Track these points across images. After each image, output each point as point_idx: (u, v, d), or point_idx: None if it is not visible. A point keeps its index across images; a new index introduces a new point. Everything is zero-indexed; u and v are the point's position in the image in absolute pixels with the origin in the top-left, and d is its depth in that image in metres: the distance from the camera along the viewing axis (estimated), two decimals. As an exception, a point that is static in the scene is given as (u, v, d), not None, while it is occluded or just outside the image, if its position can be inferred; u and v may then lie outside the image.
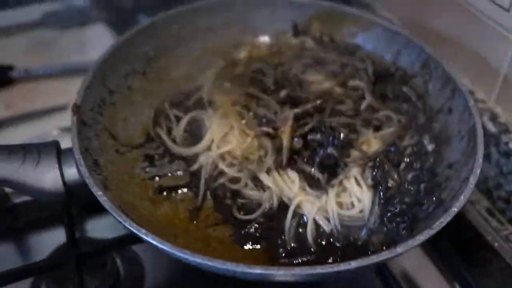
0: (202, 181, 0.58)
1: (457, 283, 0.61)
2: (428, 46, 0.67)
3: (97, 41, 1.00)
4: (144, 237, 0.44)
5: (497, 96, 0.70)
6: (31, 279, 0.61)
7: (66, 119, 0.80)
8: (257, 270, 0.42)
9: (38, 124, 0.82)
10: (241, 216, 0.56)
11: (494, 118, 0.69)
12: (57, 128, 0.80)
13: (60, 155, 0.51)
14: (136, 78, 0.66)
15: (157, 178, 0.60)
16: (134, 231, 0.45)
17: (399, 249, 0.44)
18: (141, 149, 0.62)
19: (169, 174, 0.60)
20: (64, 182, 0.50)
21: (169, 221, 0.56)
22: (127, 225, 0.45)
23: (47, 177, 0.50)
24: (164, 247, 0.44)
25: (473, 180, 0.50)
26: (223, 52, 0.71)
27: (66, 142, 0.76)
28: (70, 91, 0.88)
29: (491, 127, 0.69)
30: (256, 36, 0.74)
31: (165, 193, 0.58)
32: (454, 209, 0.47)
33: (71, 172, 0.51)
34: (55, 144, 0.52)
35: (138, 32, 0.66)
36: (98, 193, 0.47)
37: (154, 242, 0.44)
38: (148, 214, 0.55)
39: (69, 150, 0.52)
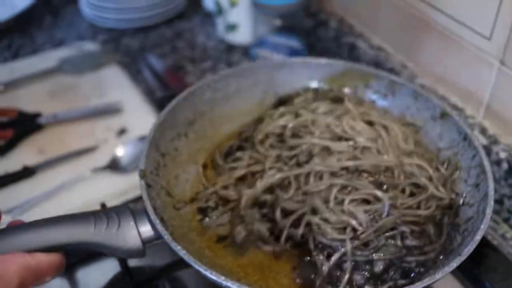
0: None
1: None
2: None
3: (113, 82, 1.07)
4: (224, 283, 0.53)
5: (484, 112, 0.80)
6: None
7: (95, 160, 0.89)
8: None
9: (71, 166, 0.88)
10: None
11: (483, 131, 0.79)
12: (89, 169, 0.86)
13: (135, 215, 0.58)
14: (180, 140, 0.75)
15: (215, 227, 0.68)
16: (214, 278, 0.53)
17: (438, 275, 0.53)
18: (194, 203, 0.71)
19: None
20: (142, 240, 0.57)
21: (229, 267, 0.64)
22: (208, 274, 0.53)
23: (128, 237, 0.56)
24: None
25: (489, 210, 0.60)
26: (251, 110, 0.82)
27: (97, 181, 0.84)
28: (95, 132, 0.96)
29: (482, 139, 0.78)
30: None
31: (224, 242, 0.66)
32: (478, 237, 0.57)
33: (146, 230, 0.58)
34: (129, 206, 0.59)
35: (180, 101, 0.76)
36: (177, 248, 0.56)
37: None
38: (209, 261, 0.62)
39: (141, 211, 0.59)
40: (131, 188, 0.85)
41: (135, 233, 0.56)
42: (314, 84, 0.84)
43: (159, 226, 0.57)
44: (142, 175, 0.64)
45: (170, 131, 0.74)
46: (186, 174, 0.74)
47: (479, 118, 0.81)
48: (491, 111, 0.79)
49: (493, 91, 0.77)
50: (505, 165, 0.74)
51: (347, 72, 0.82)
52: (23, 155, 0.91)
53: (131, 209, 0.59)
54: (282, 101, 0.83)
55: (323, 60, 0.83)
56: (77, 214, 0.62)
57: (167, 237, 0.56)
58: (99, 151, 0.92)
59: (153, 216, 0.58)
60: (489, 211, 0.59)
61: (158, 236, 0.57)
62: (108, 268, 0.71)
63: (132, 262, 0.72)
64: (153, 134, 0.69)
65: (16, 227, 0.52)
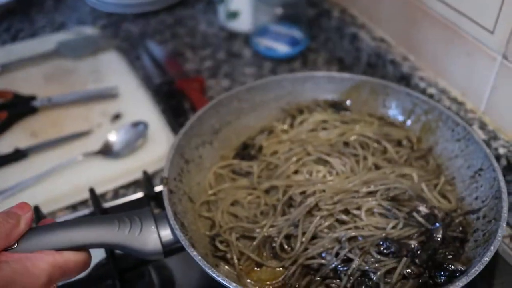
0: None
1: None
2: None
3: (110, 67, 1.07)
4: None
5: (485, 107, 0.78)
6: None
7: (89, 144, 0.88)
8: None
9: (63, 150, 0.88)
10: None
11: (483, 126, 0.77)
12: (82, 153, 0.86)
13: (156, 220, 0.59)
14: (205, 148, 0.76)
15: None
16: (226, 284, 0.54)
17: None
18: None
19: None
20: (162, 244, 0.58)
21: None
22: (220, 279, 0.54)
23: (150, 240, 0.58)
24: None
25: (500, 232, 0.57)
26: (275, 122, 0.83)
27: (88, 166, 0.83)
28: (90, 117, 0.95)
29: (481, 135, 0.76)
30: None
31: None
32: (486, 259, 0.55)
33: (166, 234, 0.59)
34: (151, 211, 0.60)
35: (207, 110, 0.76)
36: (194, 253, 0.57)
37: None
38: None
39: (163, 215, 0.60)
40: (123, 174, 0.84)
41: (155, 236, 0.58)
42: (333, 97, 0.83)
43: (178, 232, 0.58)
44: (165, 182, 0.65)
45: (196, 139, 0.74)
46: (207, 182, 0.74)
47: (479, 113, 0.79)
48: (491, 106, 0.77)
49: (494, 86, 0.75)
50: (504, 161, 0.72)
51: (368, 85, 0.81)
52: (16, 138, 0.90)
53: (153, 213, 0.60)
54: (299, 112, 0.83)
55: (346, 75, 0.82)
56: (102, 216, 0.65)
57: (184, 242, 0.58)
58: (93, 136, 0.91)
59: (172, 222, 0.59)
60: (500, 233, 0.57)
61: (177, 240, 0.59)
62: (95, 254, 0.70)
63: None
64: (178, 142, 0.70)
65: (46, 226, 0.54)
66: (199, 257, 0.56)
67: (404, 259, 0.59)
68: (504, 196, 0.61)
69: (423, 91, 0.84)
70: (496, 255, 0.69)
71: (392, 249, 0.60)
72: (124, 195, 0.81)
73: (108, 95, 0.98)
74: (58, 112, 0.96)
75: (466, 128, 0.71)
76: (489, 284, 0.66)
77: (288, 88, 0.82)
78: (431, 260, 0.60)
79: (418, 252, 0.60)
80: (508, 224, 0.75)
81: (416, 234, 0.62)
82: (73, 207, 0.80)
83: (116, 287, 0.62)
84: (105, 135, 0.89)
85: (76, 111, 0.96)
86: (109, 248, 0.65)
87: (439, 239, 0.61)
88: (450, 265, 0.58)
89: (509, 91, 0.73)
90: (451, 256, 0.61)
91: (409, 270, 0.58)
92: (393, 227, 0.63)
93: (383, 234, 0.62)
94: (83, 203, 0.80)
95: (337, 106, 0.81)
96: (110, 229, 0.57)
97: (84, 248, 0.54)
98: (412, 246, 0.60)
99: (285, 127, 0.80)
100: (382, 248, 0.60)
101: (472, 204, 0.67)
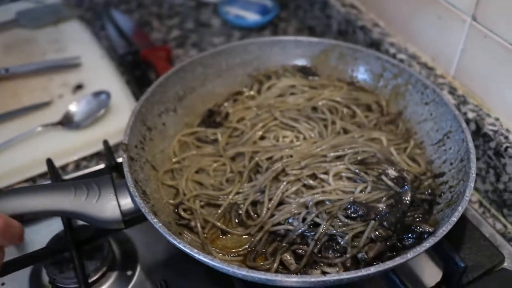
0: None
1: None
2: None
3: (73, 37, 1.02)
4: (197, 256, 0.51)
5: (455, 71, 0.77)
6: (31, 268, 0.64)
7: (49, 116, 0.84)
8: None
9: (22, 122, 0.84)
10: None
11: (453, 91, 0.76)
12: (41, 125, 0.82)
13: (116, 187, 0.57)
14: (169, 115, 0.73)
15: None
16: (188, 251, 0.52)
17: (410, 255, 0.50)
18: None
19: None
20: (121, 212, 0.56)
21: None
22: (181, 246, 0.52)
23: (108, 208, 0.55)
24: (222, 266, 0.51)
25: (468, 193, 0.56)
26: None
27: (48, 137, 0.80)
28: (50, 88, 0.91)
29: (451, 100, 0.75)
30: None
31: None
32: (454, 219, 0.53)
33: (126, 202, 0.57)
34: (111, 178, 0.58)
35: (169, 76, 0.73)
36: (154, 221, 0.54)
37: (209, 261, 0.51)
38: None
39: (123, 183, 0.58)
40: (84, 145, 0.80)
41: (114, 204, 0.56)
42: (302, 62, 0.81)
43: (138, 199, 0.56)
44: (125, 149, 0.62)
45: (159, 105, 0.72)
46: (172, 148, 0.71)
47: (449, 78, 0.77)
48: (461, 70, 0.75)
49: (464, 49, 0.73)
50: (473, 126, 0.71)
51: (337, 49, 0.79)
52: (-29, 109, 0.86)
53: (113, 180, 0.58)
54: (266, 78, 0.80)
55: (314, 39, 0.80)
56: (58, 183, 0.63)
57: (145, 210, 0.55)
58: (53, 107, 0.87)
59: (132, 189, 0.57)
60: (468, 193, 0.56)
61: (138, 209, 0.56)
62: (53, 227, 0.67)
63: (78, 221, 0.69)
64: (139, 108, 0.67)
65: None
66: (160, 224, 0.54)
67: (372, 222, 0.58)
68: (473, 156, 0.60)
69: (393, 57, 0.82)
70: (465, 220, 0.69)
71: (360, 213, 0.58)
72: (86, 167, 0.78)
73: (69, 66, 0.94)
74: (17, 83, 0.91)
75: (435, 91, 0.69)
76: (458, 249, 0.66)
77: (255, 53, 0.79)
78: (400, 223, 0.58)
79: (387, 215, 0.59)
80: (477, 189, 0.75)
81: (384, 198, 0.61)
82: (32, 180, 0.76)
83: (74, 259, 0.59)
84: (66, 106, 0.85)
85: (36, 82, 0.92)
86: (66, 216, 0.63)
87: (407, 201, 0.60)
88: (418, 227, 0.57)
89: (478, 53, 0.71)
90: (419, 219, 0.60)
91: (377, 233, 0.57)
92: (361, 191, 0.62)
93: (351, 198, 0.60)
94: (43, 176, 0.77)
95: (305, 71, 0.79)
96: (66, 196, 0.54)
97: (38, 215, 0.52)
98: (380, 209, 0.59)
99: (252, 93, 0.78)
100: (349, 212, 0.58)
101: (441, 167, 0.66)
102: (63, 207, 0.54)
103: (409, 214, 0.60)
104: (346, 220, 0.59)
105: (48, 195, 0.54)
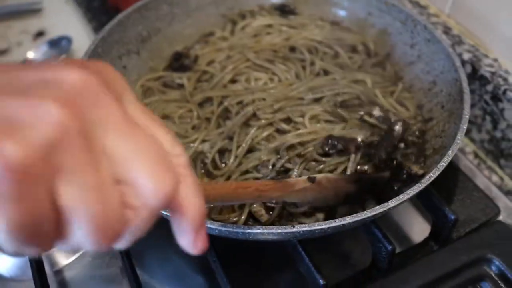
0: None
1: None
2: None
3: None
4: None
5: (449, 10, 0.69)
6: None
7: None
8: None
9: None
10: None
11: (447, 31, 0.68)
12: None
13: None
14: (130, 58, 0.65)
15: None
16: None
17: (391, 203, 0.44)
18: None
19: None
20: None
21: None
22: None
23: None
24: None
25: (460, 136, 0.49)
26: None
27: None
28: (9, 35, 0.83)
29: (446, 39, 0.67)
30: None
31: None
32: (443, 164, 0.46)
33: None
34: None
35: (129, 14, 0.65)
36: None
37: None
38: None
39: None
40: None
41: None
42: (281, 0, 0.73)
43: None
44: None
45: (118, 47, 0.64)
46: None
47: (443, 16, 0.70)
48: (457, 7, 0.68)
49: (460, -18, 0.66)
50: (468, 68, 0.64)
51: None
52: None
53: None
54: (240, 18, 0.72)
55: None
56: None
57: None
58: (11, 55, 0.80)
59: None
60: (460, 136, 0.49)
61: None
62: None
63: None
64: (93, 48, 0.59)
65: None
66: None
67: (353, 155, 0.51)
68: (466, 96, 0.53)
69: (382, -5, 0.74)
70: (458, 171, 0.62)
71: (339, 147, 0.51)
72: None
73: (30, 11, 0.86)
74: (-29, 29, 0.84)
75: (427, 27, 0.62)
76: (449, 201, 0.59)
77: None
78: (390, 159, 0.52)
79: (374, 151, 0.52)
80: (472, 140, 0.68)
81: (368, 134, 0.54)
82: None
83: None
84: (24, 53, 0.78)
85: (-8, 29, 0.84)
86: None
87: (398, 134, 0.53)
88: (409, 168, 0.51)
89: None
90: (412, 158, 0.54)
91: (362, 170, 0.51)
92: (342, 130, 0.55)
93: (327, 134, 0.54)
94: None
95: (284, 10, 0.71)
96: None
97: None
98: (359, 140, 0.52)
99: (225, 34, 0.70)
100: (327, 149, 0.51)
101: (431, 111, 0.59)
102: None
103: (401, 150, 0.54)
104: (323, 159, 0.52)
105: None
